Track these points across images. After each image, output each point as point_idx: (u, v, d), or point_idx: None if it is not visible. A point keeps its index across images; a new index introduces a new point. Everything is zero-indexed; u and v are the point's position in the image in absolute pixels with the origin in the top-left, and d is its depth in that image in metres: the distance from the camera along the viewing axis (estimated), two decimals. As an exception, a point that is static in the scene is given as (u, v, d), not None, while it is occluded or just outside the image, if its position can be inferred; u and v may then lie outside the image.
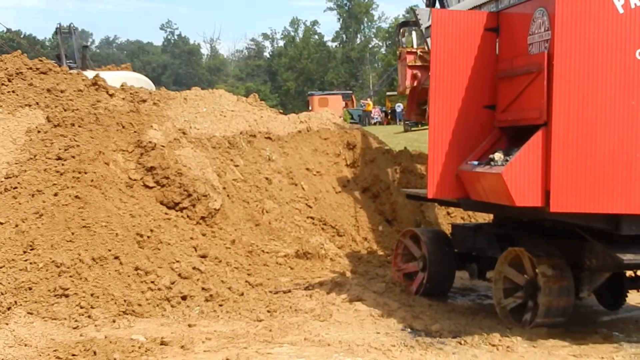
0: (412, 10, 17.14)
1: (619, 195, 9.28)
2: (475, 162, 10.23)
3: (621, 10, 9.26)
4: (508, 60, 10.35)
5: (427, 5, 16.76)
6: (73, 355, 8.84)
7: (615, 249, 9.52)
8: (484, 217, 13.98)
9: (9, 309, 10.04)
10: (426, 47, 16.38)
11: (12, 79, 14.68)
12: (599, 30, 9.23)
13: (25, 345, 9.24)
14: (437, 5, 16.47)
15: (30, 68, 15.20)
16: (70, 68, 21.00)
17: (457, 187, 10.57)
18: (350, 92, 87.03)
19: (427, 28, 13.88)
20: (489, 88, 10.64)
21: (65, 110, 14.09)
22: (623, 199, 9.28)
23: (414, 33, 17.28)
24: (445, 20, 10.56)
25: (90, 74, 17.73)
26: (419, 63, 16.27)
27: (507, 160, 9.53)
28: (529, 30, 9.84)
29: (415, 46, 16.75)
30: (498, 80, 10.58)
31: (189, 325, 10.21)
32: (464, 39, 10.57)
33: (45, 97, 14.48)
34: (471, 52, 10.59)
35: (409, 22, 19.73)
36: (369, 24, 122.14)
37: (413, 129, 42.21)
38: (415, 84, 16.05)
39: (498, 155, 9.76)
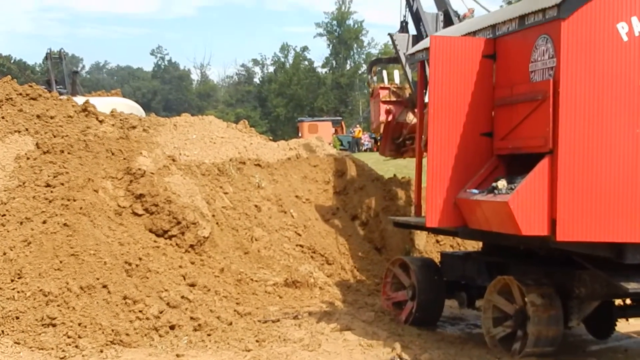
0: (389, 36, 17.16)
1: (623, 224, 9.27)
2: (475, 190, 10.20)
3: (625, 38, 9.31)
4: (507, 87, 10.35)
5: (400, 31, 16.84)
6: (60, 385, 8.79)
7: (618, 277, 9.50)
8: (473, 245, 13.97)
9: (-5, 338, 9.98)
10: (405, 74, 16.41)
11: (2, 104, 14.65)
12: (604, 57, 9.26)
13: (12, 375, 9.18)
14: (409, 32, 16.58)
15: (20, 94, 15.17)
16: (61, 94, 21.04)
17: (456, 215, 10.55)
18: (340, 118, 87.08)
19: (410, 54, 13.88)
20: (486, 115, 10.63)
21: (54, 137, 14.06)
22: (628, 227, 9.27)
23: (385, 72, 17.37)
24: (443, 46, 10.55)
25: (80, 99, 17.73)
26: (392, 98, 16.34)
27: (511, 189, 9.49)
28: (531, 58, 9.84)
29: (398, 82, 16.81)
30: (496, 108, 10.58)
31: (177, 356, 10.15)
32: (462, 66, 10.56)
33: (35, 124, 14.44)
34: (468, 79, 10.58)
35: (381, 59, 19.86)
36: (359, 50, 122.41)
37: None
38: (389, 119, 16.12)
39: (501, 184, 9.71)
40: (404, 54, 16.24)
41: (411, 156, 16.98)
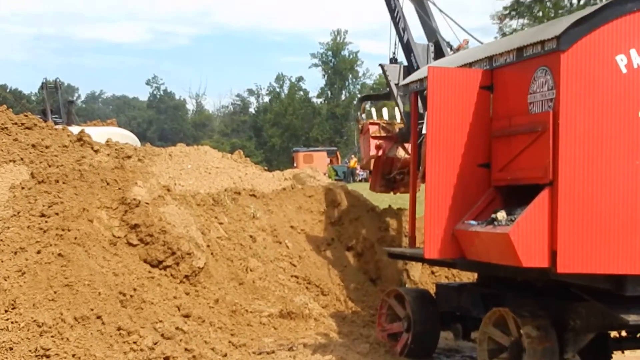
0: (380, 66, 17.24)
1: (624, 256, 9.27)
2: (473, 222, 10.20)
3: (624, 70, 9.36)
4: (505, 118, 10.37)
5: (391, 62, 16.92)
6: (53, 417, 8.71)
7: (618, 310, 9.49)
8: (469, 277, 13.95)
9: (-12, 369, 9.92)
10: (396, 104, 16.45)
11: (-3, 134, 14.67)
12: (603, 89, 9.31)
13: (5, 407, 9.11)
14: (398, 63, 16.66)
15: (16, 123, 15.19)
16: (56, 123, 21.07)
17: (454, 246, 10.52)
18: (335, 148, 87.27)
19: (403, 85, 13.93)
20: (483, 146, 10.65)
21: (49, 167, 14.05)
22: (628, 259, 9.27)
23: (373, 109, 17.42)
24: (440, 77, 10.58)
25: (75, 129, 17.78)
26: (382, 133, 16.37)
27: (512, 220, 9.48)
28: (530, 89, 9.87)
29: (387, 118, 16.88)
30: (493, 139, 10.60)
31: (172, 387, 10.10)
32: (459, 97, 10.58)
33: (30, 153, 14.44)
34: (466, 110, 10.60)
35: (370, 95, 19.99)
36: (354, 80, 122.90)
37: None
38: (379, 154, 16.13)
39: (501, 215, 9.70)
40: (395, 84, 16.32)
41: (402, 192, 17.03)
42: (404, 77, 15.87)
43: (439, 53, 16.03)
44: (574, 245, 9.20)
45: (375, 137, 16.38)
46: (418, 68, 15.41)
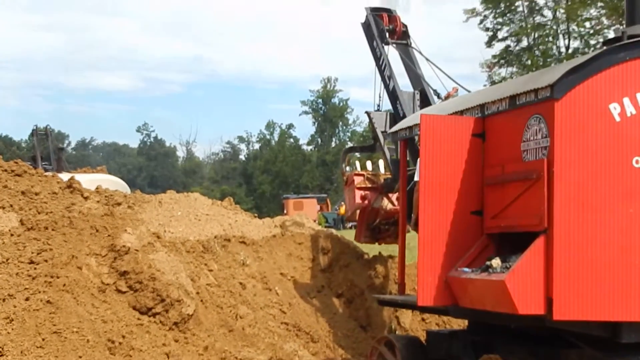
0: (367, 114, 17.35)
1: (619, 303, 9.24)
2: (467, 269, 10.17)
3: (618, 119, 9.40)
4: (497, 166, 10.39)
5: (377, 110, 17.03)
6: None
7: (613, 357, 9.47)
8: (459, 324, 13.92)
9: (-25, 417, 9.82)
10: (382, 152, 16.52)
11: (-13, 181, 14.65)
12: (597, 137, 9.34)
13: None
14: (384, 111, 16.78)
15: (6, 170, 15.19)
16: (46, 170, 21.09)
17: (447, 294, 10.45)
18: (325, 195, 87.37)
19: (392, 133, 13.97)
20: (476, 194, 10.64)
21: (39, 213, 14.03)
22: (623, 306, 9.25)
23: (357, 162, 17.51)
24: (433, 124, 10.60)
25: (65, 176, 17.77)
26: (367, 184, 16.42)
27: (507, 268, 9.45)
28: (523, 137, 9.89)
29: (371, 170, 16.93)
30: (486, 186, 10.61)
31: None
32: (451, 144, 10.59)
33: (20, 200, 14.42)
34: (458, 157, 10.60)
35: (355, 147, 20.14)
36: (344, 127, 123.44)
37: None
38: (365, 204, 16.16)
39: (496, 262, 9.67)
40: (382, 132, 16.41)
41: (387, 242, 17.03)
42: (391, 125, 15.97)
43: (425, 101, 16.15)
44: (569, 292, 9.18)
45: (360, 188, 16.43)
46: (404, 116, 15.50)
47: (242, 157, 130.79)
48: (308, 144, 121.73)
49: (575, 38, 55.12)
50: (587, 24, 54.41)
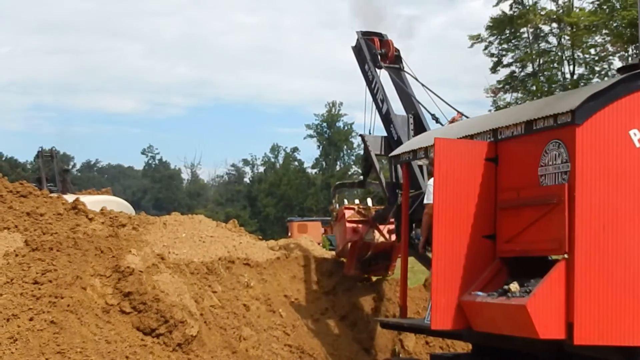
0: (360, 137, 17.33)
1: (638, 327, 9.24)
2: (480, 293, 10.16)
3: (638, 145, 9.44)
4: (512, 190, 10.37)
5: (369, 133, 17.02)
6: None
7: None
8: (463, 347, 13.91)
9: None
10: (377, 175, 16.51)
11: (-8, 201, 14.71)
12: (617, 163, 9.38)
13: None
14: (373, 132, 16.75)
15: (11, 191, 15.25)
16: (51, 191, 21.09)
17: (460, 317, 10.40)
18: (330, 218, 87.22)
19: (394, 156, 13.96)
20: (488, 218, 10.63)
21: (44, 234, 14.07)
22: None
23: (345, 200, 17.44)
24: (447, 148, 10.60)
25: (70, 197, 17.82)
26: (358, 217, 16.33)
27: (527, 292, 9.43)
28: (540, 162, 9.89)
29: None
30: (499, 210, 10.59)
31: None
32: (464, 168, 10.59)
33: (25, 221, 14.47)
34: (471, 181, 10.59)
35: (345, 184, 20.07)
36: (349, 151, 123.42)
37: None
38: (356, 237, 16.02)
39: (514, 287, 9.62)
40: (376, 154, 16.38)
41: (376, 275, 16.89)
42: (385, 148, 16.00)
43: (419, 124, 16.08)
44: (590, 317, 9.15)
45: (351, 221, 16.30)
46: (399, 139, 15.49)
47: (246, 179, 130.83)
48: (312, 167, 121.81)
49: (580, 64, 55.25)
50: (592, 51, 54.57)
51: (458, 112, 15.74)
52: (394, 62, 17.37)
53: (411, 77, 17.10)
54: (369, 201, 17.12)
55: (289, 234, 61.39)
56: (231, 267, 16.31)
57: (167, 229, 17.02)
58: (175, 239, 16.61)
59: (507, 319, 9.67)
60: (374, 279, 17.06)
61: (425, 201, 11.61)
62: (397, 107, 16.64)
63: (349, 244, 16.21)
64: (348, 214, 16.39)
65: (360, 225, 16.25)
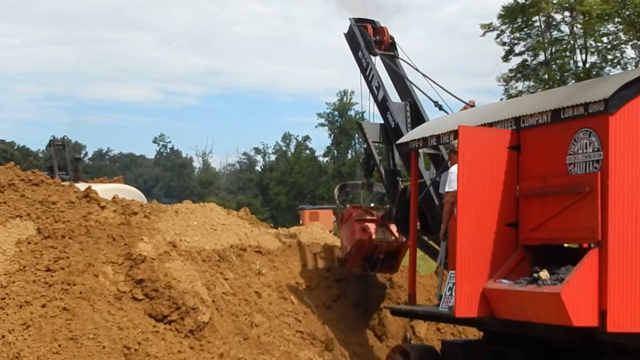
0: (358, 124, 17.15)
1: None
2: (505, 281, 10.16)
3: None
4: (537, 179, 10.39)
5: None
6: None
7: None
8: (474, 334, 13.91)
9: (-8, 422, 9.89)
10: (375, 163, 16.27)
11: (4, 190, 14.73)
12: None
13: None
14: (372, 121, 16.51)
15: (23, 179, 15.28)
16: (63, 180, 21.14)
17: (483, 305, 10.45)
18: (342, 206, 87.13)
19: (401, 144, 13.88)
20: (510, 206, 10.66)
21: (56, 222, 14.11)
22: None
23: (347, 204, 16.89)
24: (471, 136, 10.63)
25: (82, 186, 17.84)
26: (366, 217, 16.04)
27: (559, 280, 9.45)
28: (569, 150, 9.90)
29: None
30: (522, 199, 10.61)
31: None
32: (487, 156, 10.63)
33: (37, 209, 14.50)
34: (494, 170, 10.65)
35: (347, 184, 19.85)
36: (360, 140, 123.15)
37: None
38: (366, 237, 15.59)
39: (544, 275, 9.64)
40: (374, 142, 16.19)
41: (382, 272, 16.52)
42: (383, 136, 15.83)
43: (416, 112, 15.89)
44: (623, 304, 9.19)
45: (360, 220, 16.00)
46: (396, 126, 15.35)
47: (258, 168, 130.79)
48: (324, 155, 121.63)
49: (593, 53, 54.88)
50: (605, 39, 54.22)
51: (456, 97, 15.60)
52: (389, 49, 17.12)
53: (409, 66, 16.83)
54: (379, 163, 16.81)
55: (301, 222, 61.42)
56: (243, 254, 16.35)
57: (179, 217, 17.06)
58: (187, 226, 16.65)
59: (538, 307, 9.65)
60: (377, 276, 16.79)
61: (446, 189, 11.50)
62: (393, 96, 16.45)
63: (358, 243, 15.78)
64: (356, 213, 16.18)
65: (369, 225, 15.99)
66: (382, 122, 16.22)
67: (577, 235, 9.79)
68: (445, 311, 11.36)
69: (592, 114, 9.57)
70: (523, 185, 10.62)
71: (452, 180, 11.28)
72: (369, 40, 16.98)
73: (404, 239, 15.65)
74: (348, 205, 17.33)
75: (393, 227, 15.73)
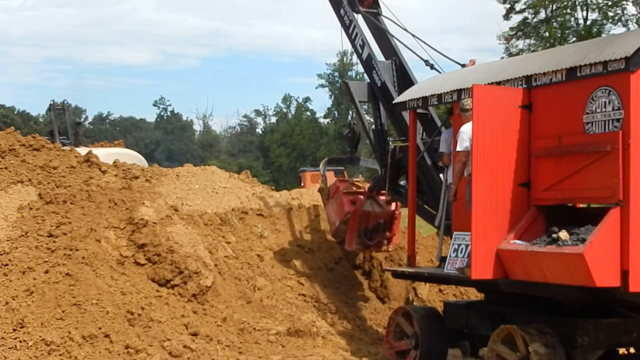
0: (344, 83, 16.75)
1: None
2: (520, 242, 10.13)
3: None
4: (551, 138, 10.30)
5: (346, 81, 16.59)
6: None
7: None
8: (476, 295, 13.94)
9: (-3, 388, 9.94)
10: (362, 123, 16.04)
11: (5, 155, 14.71)
12: None
13: None
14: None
15: (24, 145, 15.26)
16: (64, 144, 21.14)
17: (498, 267, 10.39)
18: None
19: (399, 103, 13.71)
20: (522, 166, 10.59)
21: (57, 187, 14.11)
22: None
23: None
24: (485, 95, 10.52)
25: (83, 150, 17.83)
26: (354, 189, 15.79)
27: (580, 240, 9.42)
28: (586, 109, 9.81)
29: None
30: (534, 158, 10.55)
31: (179, 405, 10.10)
32: (500, 116, 10.52)
33: (38, 174, 14.50)
34: (506, 129, 10.55)
35: (334, 159, 19.49)
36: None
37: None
38: (355, 208, 15.39)
39: (564, 235, 9.59)
40: (360, 101, 15.93)
41: (378, 250, 16.39)
42: (370, 96, 15.57)
43: (402, 71, 15.59)
44: None
45: (347, 193, 15.87)
46: (383, 84, 15.06)
47: (259, 130, 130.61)
48: (325, 117, 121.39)
49: (593, 10, 54.59)
50: (606, -4, 53.96)
51: (445, 56, 15.31)
52: (372, 6, 16.56)
53: (395, 25, 16.34)
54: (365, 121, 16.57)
55: (302, 184, 61.42)
56: (244, 217, 16.36)
57: (180, 180, 17.05)
58: (188, 190, 16.64)
59: (558, 268, 9.60)
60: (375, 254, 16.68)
61: (458, 148, 11.35)
62: (378, 55, 15.93)
63: (348, 216, 15.52)
64: (343, 186, 15.97)
65: (357, 197, 15.80)
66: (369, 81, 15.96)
67: (596, 195, 9.71)
68: (453, 273, 11.35)
69: (612, 72, 9.44)
70: (535, 144, 10.53)
71: (463, 139, 11.12)
72: None
73: (393, 209, 15.57)
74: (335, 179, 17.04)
75: (381, 198, 15.58)
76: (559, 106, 10.30)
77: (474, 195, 10.42)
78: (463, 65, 14.64)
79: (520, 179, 10.58)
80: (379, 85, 15.21)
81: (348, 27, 16.30)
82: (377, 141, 15.30)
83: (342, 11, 16.42)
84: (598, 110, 9.66)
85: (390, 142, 14.93)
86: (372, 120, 16.10)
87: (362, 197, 15.67)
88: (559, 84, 10.25)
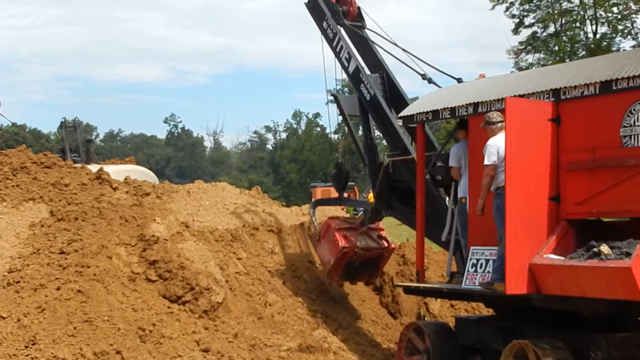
0: (333, 96, 16.61)
1: None
2: (554, 256, 10.08)
3: None
4: (584, 151, 10.30)
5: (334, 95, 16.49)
6: None
7: None
8: (488, 310, 13.90)
9: (9, 405, 9.94)
10: (352, 136, 15.94)
11: (17, 173, 14.78)
12: None
13: None
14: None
15: (35, 162, 15.32)
16: (75, 162, 21.16)
17: (530, 281, 10.34)
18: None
19: (406, 116, 13.57)
20: (552, 179, 10.59)
21: (69, 204, 14.16)
22: None
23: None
24: (518, 108, 10.50)
25: (94, 167, 17.88)
26: (345, 225, 15.44)
27: (623, 254, 9.37)
28: (623, 122, 9.83)
29: None
30: (564, 172, 10.54)
31: (191, 422, 10.09)
32: (531, 129, 10.51)
33: (50, 191, 14.56)
34: (536, 142, 10.54)
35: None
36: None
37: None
38: (349, 247, 15.00)
39: (606, 249, 9.56)
40: (349, 115, 15.76)
41: (361, 280, 16.11)
42: (360, 109, 15.35)
43: (391, 83, 15.34)
44: None
45: (340, 229, 15.33)
46: (374, 97, 14.82)
47: (269, 146, 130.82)
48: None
49: (603, 24, 54.52)
50: (615, 9, 53.88)
51: (433, 67, 15.14)
52: (356, 19, 16.28)
53: (382, 39, 15.94)
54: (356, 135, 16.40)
55: (313, 200, 61.42)
56: (255, 233, 16.36)
57: (191, 197, 17.09)
58: (199, 206, 16.68)
59: (601, 282, 9.54)
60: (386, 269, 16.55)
61: (485, 162, 11.23)
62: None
63: (343, 251, 14.99)
64: (334, 223, 15.51)
65: (350, 233, 15.26)
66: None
67: (636, 208, 9.71)
68: (476, 288, 11.29)
69: None
70: (564, 158, 10.50)
71: (491, 153, 11.04)
72: (335, 10, 16.14)
73: (386, 245, 15.43)
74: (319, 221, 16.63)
75: (373, 233, 15.39)
76: (591, 119, 10.28)
77: (509, 209, 10.33)
78: (459, 80, 14.57)
79: (550, 192, 10.56)
80: (368, 98, 14.96)
81: (332, 40, 16.03)
82: (367, 155, 15.21)
83: (324, 24, 16.15)
84: (637, 123, 9.65)
85: (385, 156, 14.79)
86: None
87: (354, 232, 15.32)
88: (591, 97, 10.24)
